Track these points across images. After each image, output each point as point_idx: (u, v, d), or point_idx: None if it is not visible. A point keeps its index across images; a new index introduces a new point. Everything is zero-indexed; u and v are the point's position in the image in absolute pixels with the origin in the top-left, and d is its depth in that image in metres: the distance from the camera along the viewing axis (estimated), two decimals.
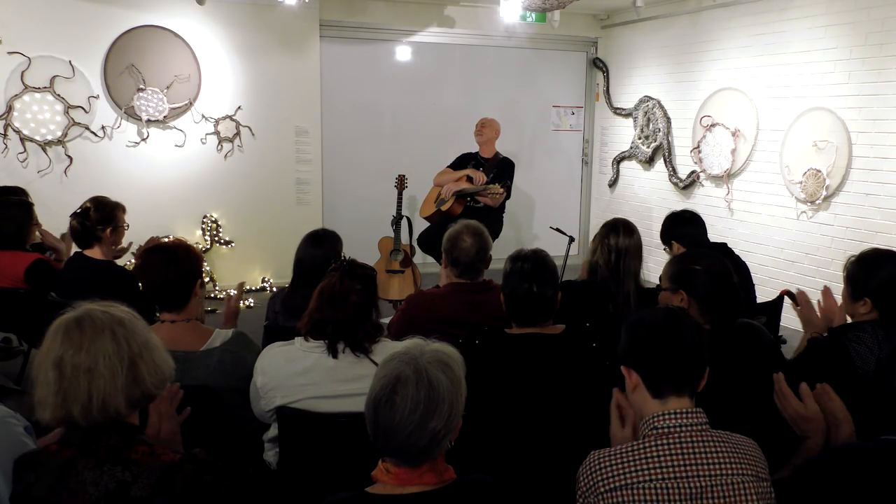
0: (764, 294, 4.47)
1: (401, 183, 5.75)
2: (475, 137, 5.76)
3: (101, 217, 3.36)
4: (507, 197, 5.54)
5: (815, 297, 2.77)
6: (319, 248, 3.02)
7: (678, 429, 1.54)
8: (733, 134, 6.02)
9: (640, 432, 1.61)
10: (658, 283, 3.51)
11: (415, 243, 5.72)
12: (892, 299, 2.30)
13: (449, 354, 1.50)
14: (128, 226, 3.57)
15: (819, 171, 5.27)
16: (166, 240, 3.54)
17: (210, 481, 1.45)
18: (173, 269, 2.29)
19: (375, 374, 1.49)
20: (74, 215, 3.38)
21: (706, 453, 1.51)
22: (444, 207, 5.48)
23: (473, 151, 5.77)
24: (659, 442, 1.53)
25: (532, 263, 2.32)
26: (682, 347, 1.62)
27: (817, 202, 5.32)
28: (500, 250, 7.15)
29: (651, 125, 7.00)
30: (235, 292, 3.07)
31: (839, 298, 2.57)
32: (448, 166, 5.74)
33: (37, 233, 3.84)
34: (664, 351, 1.62)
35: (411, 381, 1.42)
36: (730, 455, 1.51)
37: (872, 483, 1.55)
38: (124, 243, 3.82)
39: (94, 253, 3.40)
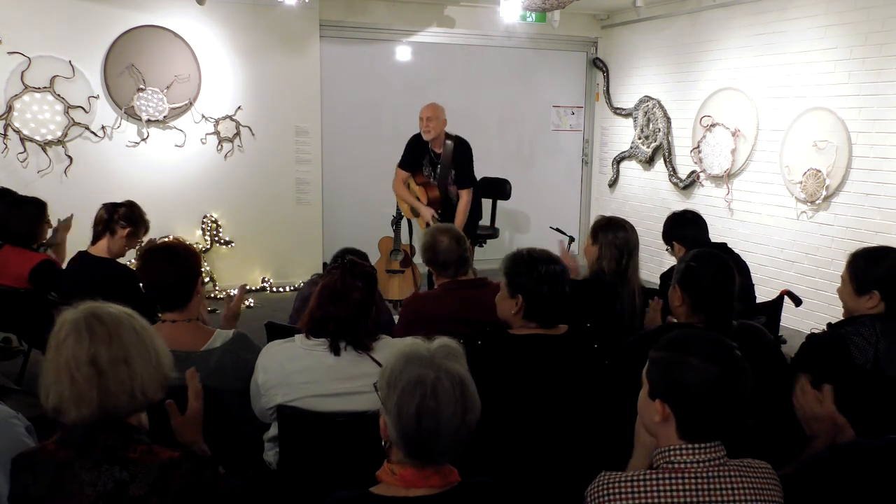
0: (764, 294, 4.47)
1: None
2: (422, 134, 5.12)
3: (127, 214, 3.43)
4: (474, 182, 5.21)
5: (812, 298, 2.78)
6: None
7: (695, 465, 1.48)
8: (733, 134, 6.02)
9: (653, 459, 1.54)
10: (660, 281, 3.53)
11: (415, 243, 5.72)
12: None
13: (452, 345, 1.51)
14: (142, 243, 3.61)
15: (819, 171, 5.27)
16: (166, 239, 3.56)
17: (209, 478, 1.45)
18: (176, 269, 2.30)
19: (392, 384, 1.44)
20: (104, 206, 3.46)
21: (723, 489, 1.46)
22: (422, 227, 5.29)
23: (426, 140, 5.17)
24: (674, 476, 1.47)
25: (560, 265, 2.32)
26: (735, 405, 1.49)
27: (817, 202, 5.32)
28: (501, 250, 7.14)
29: (651, 125, 7.01)
30: (237, 294, 3.07)
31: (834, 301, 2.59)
32: (399, 165, 5.30)
33: (48, 233, 3.85)
34: (716, 409, 1.48)
35: (444, 383, 1.40)
36: (748, 491, 1.47)
37: (877, 481, 1.55)
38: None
39: (99, 249, 3.41)
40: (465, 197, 5.13)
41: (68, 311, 1.49)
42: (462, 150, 5.13)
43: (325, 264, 3.16)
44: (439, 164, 5.19)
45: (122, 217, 3.41)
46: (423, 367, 1.42)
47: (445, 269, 2.90)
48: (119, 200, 3.51)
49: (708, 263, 2.29)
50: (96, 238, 3.43)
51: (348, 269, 2.18)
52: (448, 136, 5.13)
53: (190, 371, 1.85)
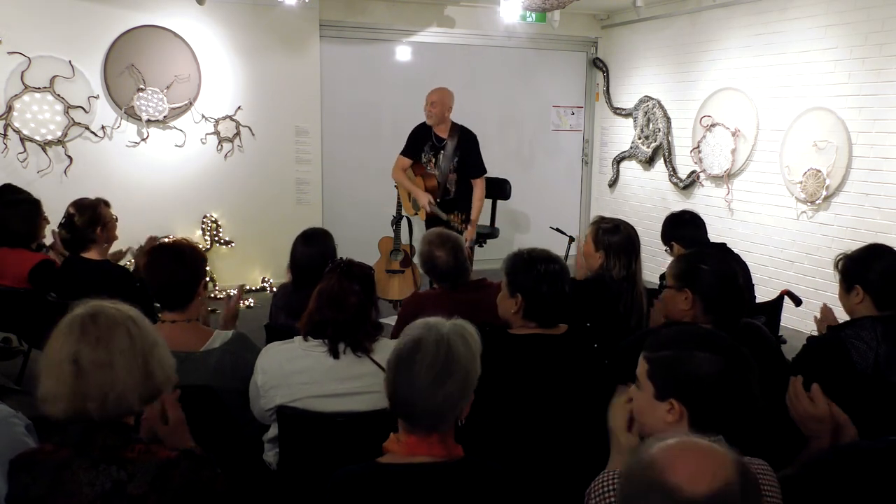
0: (764, 294, 4.47)
1: None
2: (426, 119, 5.16)
3: (86, 220, 3.31)
4: (483, 172, 5.23)
5: (812, 298, 2.80)
6: (313, 246, 3.03)
7: None
8: (733, 134, 6.02)
9: None
10: (660, 281, 3.52)
11: (415, 243, 5.70)
12: (888, 288, 2.32)
13: (468, 330, 1.60)
14: (116, 218, 3.53)
15: (819, 171, 5.27)
16: (166, 239, 3.54)
17: (207, 477, 1.45)
18: (181, 269, 2.29)
19: (398, 340, 1.57)
20: (61, 226, 3.35)
21: None
22: (422, 217, 5.33)
23: (429, 125, 5.18)
24: None
25: (560, 265, 2.32)
26: (747, 393, 1.51)
27: (817, 202, 5.32)
28: (500, 250, 7.11)
29: (651, 125, 7.00)
30: (235, 294, 3.06)
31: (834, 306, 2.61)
32: (401, 152, 5.29)
33: (45, 232, 3.83)
34: (729, 399, 1.49)
35: (431, 344, 1.51)
36: None
37: (878, 484, 1.54)
38: (121, 247, 3.80)
39: (92, 254, 3.38)
40: (479, 186, 5.15)
41: (77, 307, 1.50)
42: (469, 138, 5.17)
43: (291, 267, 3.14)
44: (442, 150, 5.17)
45: (85, 225, 3.30)
46: (425, 330, 1.55)
47: (444, 280, 2.93)
48: (65, 215, 3.38)
49: (714, 263, 2.27)
50: (80, 250, 3.35)
51: (345, 271, 2.17)
52: (454, 124, 5.17)
53: (164, 396, 1.82)
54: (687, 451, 1.09)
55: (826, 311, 2.85)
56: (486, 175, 5.26)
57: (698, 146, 6.41)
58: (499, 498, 1.48)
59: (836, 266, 2.49)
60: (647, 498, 1.07)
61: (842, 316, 2.58)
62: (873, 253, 2.44)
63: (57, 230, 3.48)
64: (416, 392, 1.47)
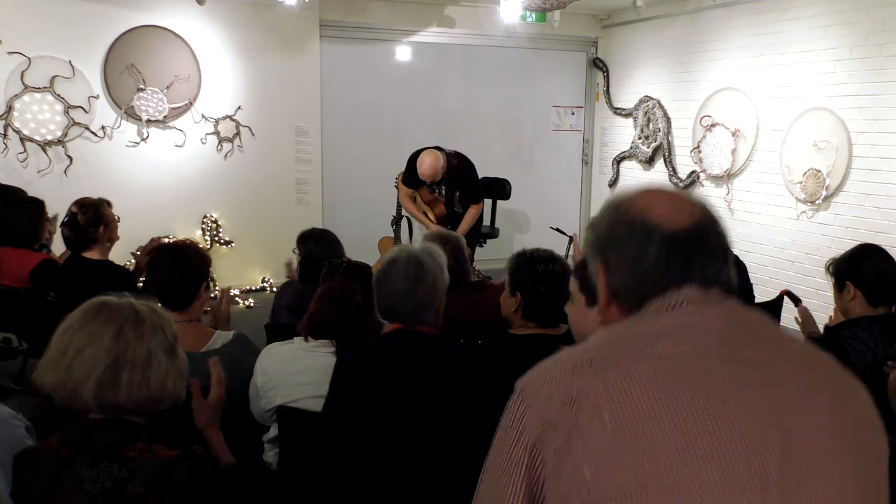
0: (764, 294, 4.47)
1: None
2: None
3: (89, 219, 3.32)
4: (482, 197, 5.27)
5: (812, 298, 2.81)
6: (324, 245, 3.04)
7: None
8: (733, 134, 6.02)
9: None
10: None
11: (415, 244, 5.69)
12: (878, 282, 2.36)
13: (434, 248, 2.00)
14: (118, 218, 3.54)
15: (819, 171, 5.27)
16: (166, 239, 3.54)
17: (206, 477, 1.45)
18: (181, 269, 2.29)
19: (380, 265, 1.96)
20: (63, 224, 3.36)
21: None
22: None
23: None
24: None
25: (561, 265, 2.34)
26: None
27: (817, 202, 5.32)
28: (501, 250, 7.12)
29: (651, 125, 7.00)
30: (220, 297, 2.98)
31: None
32: (403, 181, 5.18)
33: (48, 231, 3.83)
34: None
35: (403, 260, 1.90)
36: None
37: None
38: (126, 247, 3.79)
39: (94, 254, 3.38)
40: (475, 209, 5.13)
41: (113, 296, 1.52)
42: (465, 172, 5.01)
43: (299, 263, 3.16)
44: (443, 185, 5.10)
45: (88, 224, 3.30)
46: (399, 251, 1.95)
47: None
48: (67, 213, 3.38)
49: None
50: (82, 249, 3.35)
51: (347, 271, 2.17)
52: (449, 159, 4.91)
53: (213, 360, 1.87)
54: (662, 194, 1.14)
55: (805, 316, 2.90)
56: (482, 198, 5.27)
57: (698, 146, 6.41)
58: (474, 368, 1.91)
59: (827, 269, 2.52)
60: (630, 237, 1.08)
61: (819, 318, 2.62)
62: (861, 250, 2.50)
63: (60, 228, 3.49)
64: (396, 298, 1.88)
